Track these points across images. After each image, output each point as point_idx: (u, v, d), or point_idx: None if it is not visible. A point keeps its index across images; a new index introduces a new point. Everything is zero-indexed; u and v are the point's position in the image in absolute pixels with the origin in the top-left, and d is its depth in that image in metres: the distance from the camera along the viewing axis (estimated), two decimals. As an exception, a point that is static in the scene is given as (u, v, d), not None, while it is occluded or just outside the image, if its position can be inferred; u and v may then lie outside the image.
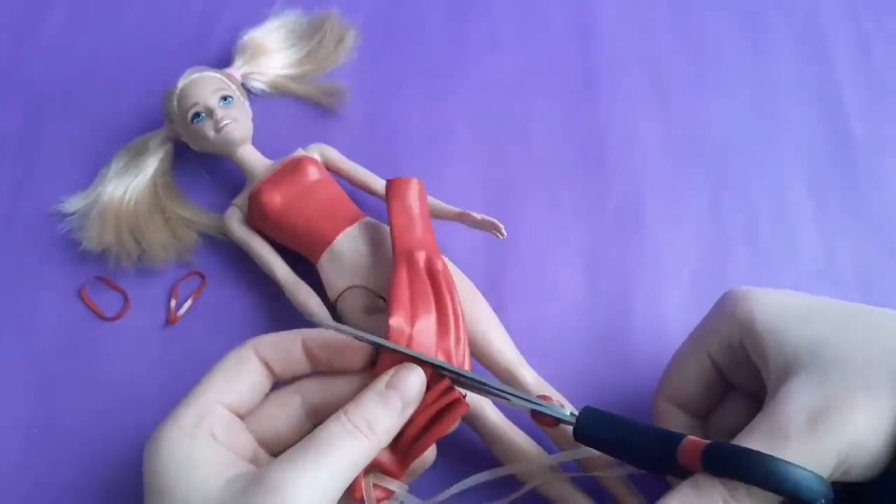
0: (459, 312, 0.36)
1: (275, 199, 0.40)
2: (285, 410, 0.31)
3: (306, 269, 0.40)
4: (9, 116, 0.48)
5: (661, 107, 0.48)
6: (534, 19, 0.52)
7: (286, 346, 0.31)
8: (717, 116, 0.48)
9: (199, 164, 0.45)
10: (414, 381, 0.29)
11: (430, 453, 0.32)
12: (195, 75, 0.43)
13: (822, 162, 0.46)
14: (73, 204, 0.44)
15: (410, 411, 0.29)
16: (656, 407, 0.35)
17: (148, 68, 0.49)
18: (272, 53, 0.48)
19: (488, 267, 0.43)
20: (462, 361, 0.35)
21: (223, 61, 0.47)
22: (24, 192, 0.45)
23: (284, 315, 0.41)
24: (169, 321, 0.41)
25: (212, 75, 0.43)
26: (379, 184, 0.42)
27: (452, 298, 0.36)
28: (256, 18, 0.49)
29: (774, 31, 0.51)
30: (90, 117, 0.48)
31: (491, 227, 0.39)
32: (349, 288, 0.38)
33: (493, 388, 0.31)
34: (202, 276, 0.43)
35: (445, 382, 0.30)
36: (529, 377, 0.37)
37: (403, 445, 0.30)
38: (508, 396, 0.31)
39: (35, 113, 0.48)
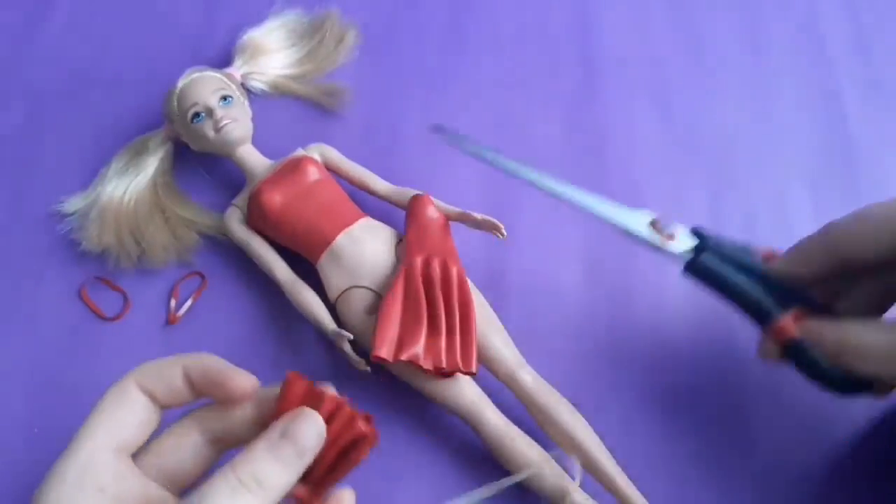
0: (472, 315, 0.37)
1: (275, 198, 0.40)
2: (186, 441, 0.28)
3: (306, 269, 0.40)
4: (9, 116, 0.48)
5: (661, 107, 0.48)
6: (534, 19, 0.52)
7: (166, 376, 0.28)
8: (717, 116, 0.48)
9: (198, 164, 0.45)
10: (310, 430, 0.26)
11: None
12: (195, 75, 0.43)
13: (822, 162, 0.46)
14: (73, 204, 0.44)
15: (306, 462, 0.26)
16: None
17: (148, 68, 0.49)
18: (272, 53, 0.48)
19: (488, 267, 0.43)
20: (457, 361, 0.36)
21: (223, 61, 0.47)
22: (24, 192, 0.45)
23: (285, 315, 0.41)
24: (169, 321, 0.41)
25: (212, 75, 0.43)
26: (379, 184, 0.42)
27: (462, 301, 0.37)
28: (256, 18, 0.49)
29: (774, 31, 0.51)
30: (90, 117, 0.48)
31: (491, 227, 0.39)
32: (349, 288, 0.38)
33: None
34: (202, 276, 0.43)
35: (346, 413, 0.27)
36: (528, 378, 0.37)
37: (315, 478, 0.28)
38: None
39: (35, 113, 0.48)
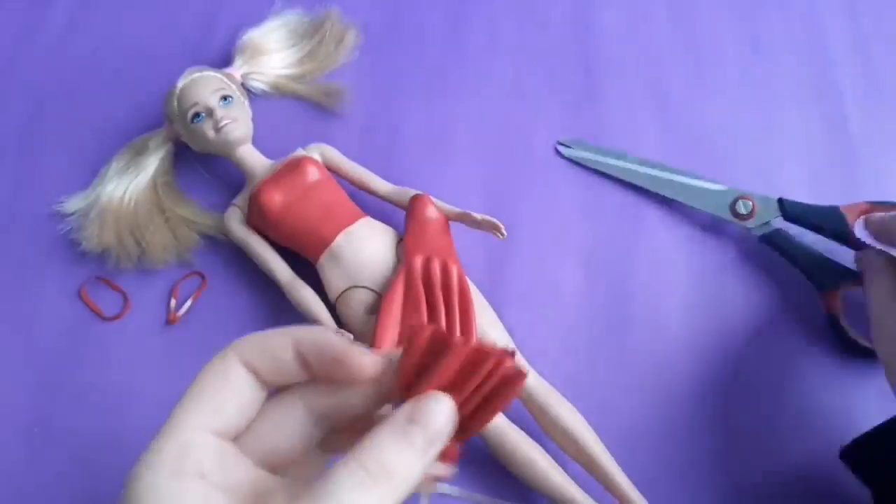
0: (471, 315, 0.37)
1: (275, 198, 0.40)
2: (288, 422, 0.26)
3: (306, 269, 0.40)
4: (9, 116, 0.48)
5: (661, 107, 0.48)
6: (534, 19, 0.52)
7: (274, 351, 0.25)
8: (717, 116, 0.48)
9: (199, 164, 0.45)
10: (441, 413, 0.24)
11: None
12: (195, 75, 0.43)
13: (822, 162, 0.46)
14: (73, 204, 0.44)
15: (436, 450, 0.24)
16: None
17: (148, 68, 0.49)
18: (272, 53, 0.48)
19: (488, 267, 0.43)
20: None
21: (223, 61, 0.47)
22: (24, 192, 0.45)
23: (284, 315, 0.41)
24: (169, 321, 0.41)
25: (212, 75, 0.43)
26: (379, 184, 0.42)
27: (462, 301, 0.37)
28: (256, 18, 0.49)
29: (774, 30, 0.51)
30: (90, 117, 0.48)
31: (491, 227, 0.39)
32: (349, 288, 0.38)
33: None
34: (202, 276, 0.43)
35: (484, 353, 0.24)
36: (529, 377, 0.37)
37: (459, 427, 0.25)
38: None
39: (35, 113, 0.48)
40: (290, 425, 0.25)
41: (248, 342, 0.25)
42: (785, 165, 0.46)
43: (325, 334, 0.25)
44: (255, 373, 0.25)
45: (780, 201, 0.42)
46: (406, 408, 0.24)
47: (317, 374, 0.25)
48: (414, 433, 0.23)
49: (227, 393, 0.25)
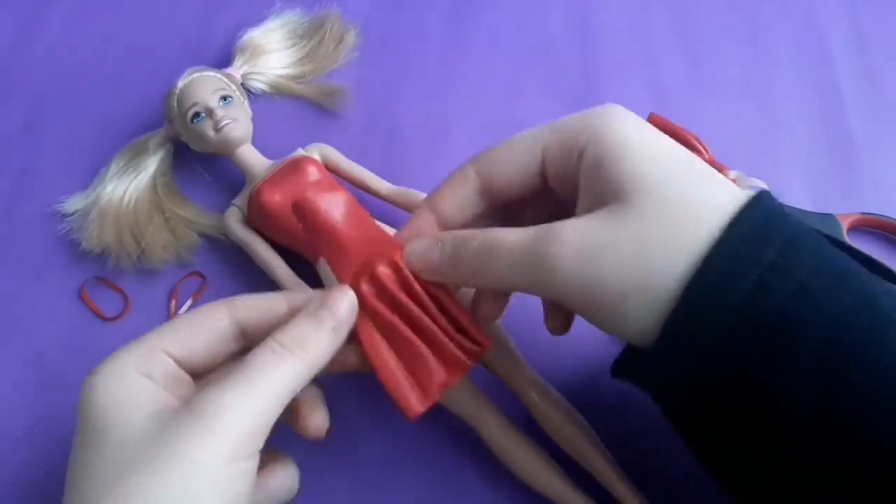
0: (449, 297, 0.32)
1: (274, 198, 0.40)
2: (216, 326, 0.29)
3: (306, 269, 0.40)
4: (9, 116, 0.48)
5: (660, 107, 0.48)
6: (534, 19, 0.52)
7: (268, 306, 0.29)
8: (717, 116, 0.48)
9: (198, 164, 0.45)
10: (345, 301, 0.29)
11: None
12: (195, 75, 0.43)
13: (821, 162, 0.46)
14: (73, 204, 0.44)
15: (343, 333, 0.28)
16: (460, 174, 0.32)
17: (148, 68, 0.49)
18: (272, 53, 0.48)
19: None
20: (473, 349, 0.32)
21: (223, 61, 0.47)
22: (24, 192, 0.45)
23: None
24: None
25: (211, 75, 0.43)
26: (379, 184, 0.42)
27: (431, 291, 0.31)
28: (256, 18, 0.49)
29: (773, 30, 0.51)
30: (90, 117, 0.48)
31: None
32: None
33: None
34: (202, 277, 0.43)
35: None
36: (529, 376, 0.37)
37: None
38: None
39: (35, 113, 0.48)
40: (216, 331, 0.29)
41: (244, 299, 0.29)
42: (785, 165, 0.46)
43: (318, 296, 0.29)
44: (243, 327, 0.29)
45: None
46: (317, 297, 0.29)
47: None
48: (323, 316, 0.28)
49: (204, 334, 0.28)
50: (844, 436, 0.24)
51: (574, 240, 0.27)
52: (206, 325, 0.28)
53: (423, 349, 0.31)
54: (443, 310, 0.31)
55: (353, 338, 0.30)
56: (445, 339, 0.31)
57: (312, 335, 0.27)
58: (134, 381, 0.26)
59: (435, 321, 0.31)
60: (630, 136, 0.28)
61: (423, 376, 0.31)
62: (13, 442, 0.38)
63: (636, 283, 0.26)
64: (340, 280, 0.33)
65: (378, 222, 0.40)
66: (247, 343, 0.29)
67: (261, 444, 0.26)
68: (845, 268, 0.26)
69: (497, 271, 0.28)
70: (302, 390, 0.28)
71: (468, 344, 0.31)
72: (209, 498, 0.24)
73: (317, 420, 0.30)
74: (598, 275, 0.26)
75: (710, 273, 0.25)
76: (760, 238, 0.25)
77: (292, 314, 0.28)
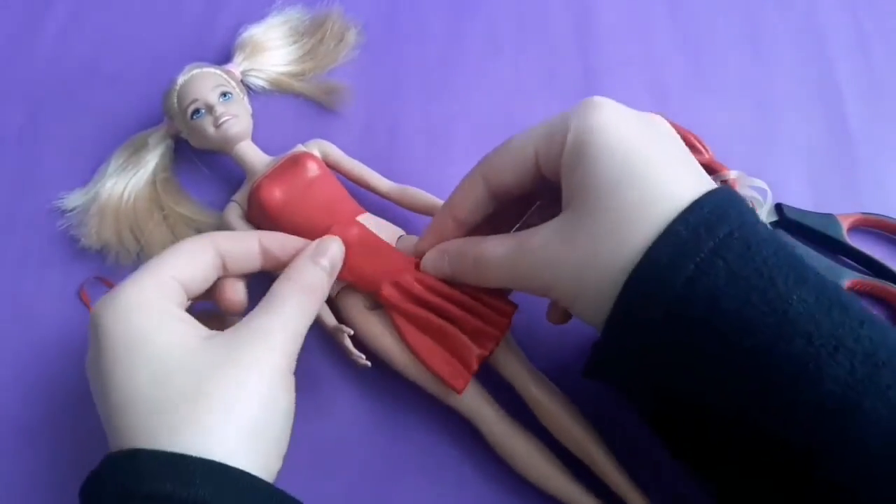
0: (470, 287, 0.36)
1: (274, 194, 0.40)
2: (202, 257, 0.33)
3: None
4: (9, 116, 0.48)
5: (661, 107, 0.48)
6: (534, 19, 0.52)
7: (245, 243, 0.34)
8: (717, 116, 0.48)
9: (198, 160, 0.45)
10: (335, 245, 0.34)
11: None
12: (195, 71, 0.43)
13: (821, 162, 0.46)
14: (73, 200, 0.44)
15: (335, 270, 0.34)
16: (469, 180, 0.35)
17: (148, 67, 0.49)
18: (272, 50, 0.48)
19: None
20: (499, 320, 0.36)
21: (223, 58, 0.47)
22: (23, 190, 0.45)
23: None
24: (168, 319, 0.41)
25: (211, 71, 0.43)
26: (378, 181, 0.42)
27: (454, 286, 0.36)
28: (257, 16, 0.49)
29: (774, 31, 0.51)
30: (90, 116, 0.48)
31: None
32: (349, 284, 0.38)
33: None
34: (201, 274, 0.43)
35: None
36: (529, 375, 0.37)
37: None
38: None
39: (35, 111, 0.48)
40: (202, 261, 0.32)
41: (223, 235, 0.34)
42: (785, 165, 0.46)
43: (286, 236, 0.35)
44: (223, 258, 0.33)
45: (778, 206, 0.43)
46: (312, 245, 0.34)
47: (272, 264, 0.34)
48: (319, 258, 0.33)
49: (197, 263, 0.32)
50: (759, 430, 0.26)
51: (539, 247, 0.30)
52: (199, 256, 0.32)
53: (453, 329, 0.35)
54: (465, 294, 0.36)
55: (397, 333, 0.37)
56: (472, 318, 0.35)
57: (314, 273, 0.33)
58: (172, 306, 0.30)
59: (462, 306, 0.35)
60: (598, 136, 0.29)
61: (460, 353, 0.35)
62: (13, 442, 0.38)
63: (590, 280, 0.29)
64: (369, 291, 0.38)
65: (379, 218, 0.41)
66: (224, 272, 0.33)
67: (294, 365, 0.31)
68: (770, 272, 0.27)
69: (490, 278, 0.33)
70: (222, 276, 0.33)
71: (495, 316, 0.36)
72: (282, 402, 0.29)
73: (236, 294, 0.34)
74: (561, 275, 0.30)
75: (644, 268, 0.27)
76: (693, 237, 0.27)
77: (264, 251, 0.34)
